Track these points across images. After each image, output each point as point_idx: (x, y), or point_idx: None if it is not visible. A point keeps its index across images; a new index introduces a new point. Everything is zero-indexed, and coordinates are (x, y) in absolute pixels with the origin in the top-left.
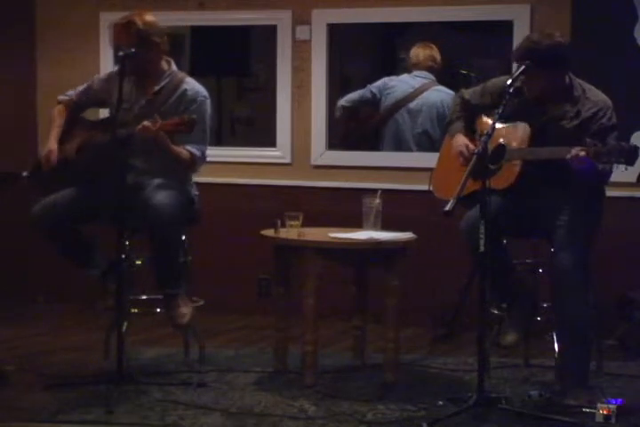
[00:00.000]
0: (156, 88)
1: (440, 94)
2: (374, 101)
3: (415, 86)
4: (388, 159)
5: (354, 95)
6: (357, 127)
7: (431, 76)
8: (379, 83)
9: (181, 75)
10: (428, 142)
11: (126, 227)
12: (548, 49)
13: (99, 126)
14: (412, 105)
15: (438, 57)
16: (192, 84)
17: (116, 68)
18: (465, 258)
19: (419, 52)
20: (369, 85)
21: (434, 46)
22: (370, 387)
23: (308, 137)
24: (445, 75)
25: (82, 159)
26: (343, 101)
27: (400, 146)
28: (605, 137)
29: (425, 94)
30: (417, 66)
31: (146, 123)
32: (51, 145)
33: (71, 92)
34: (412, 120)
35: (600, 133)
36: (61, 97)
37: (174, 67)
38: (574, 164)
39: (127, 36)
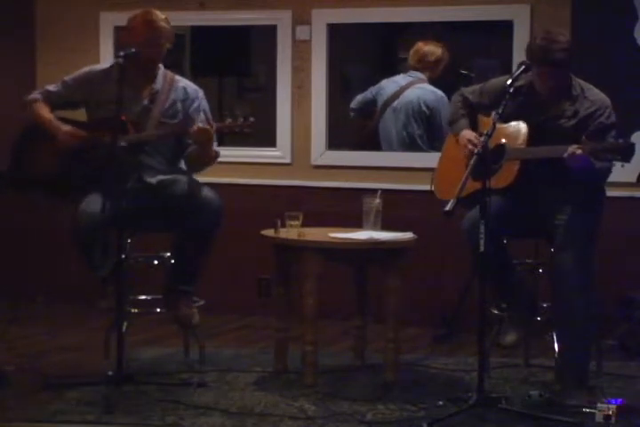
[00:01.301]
0: (155, 88)
1: (418, 91)
2: (374, 102)
3: (401, 85)
4: (388, 159)
5: (359, 97)
6: (364, 128)
7: (420, 75)
8: (377, 84)
9: (170, 73)
10: (408, 139)
11: (149, 228)
12: (567, 48)
13: (97, 127)
14: (395, 104)
15: (432, 56)
16: (186, 82)
17: (99, 67)
18: (465, 258)
19: (411, 52)
20: (371, 87)
21: (432, 44)
22: (370, 387)
23: (308, 137)
24: (445, 75)
25: (90, 161)
26: (352, 103)
27: (389, 145)
28: (604, 136)
29: (405, 92)
30: (409, 65)
31: (201, 125)
32: (64, 127)
33: (40, 91)
34: (394, 119)
35: (599, 132)
36: (33, 96)
37: (161, 66)
38: (570, 162)
39: (150, 33)
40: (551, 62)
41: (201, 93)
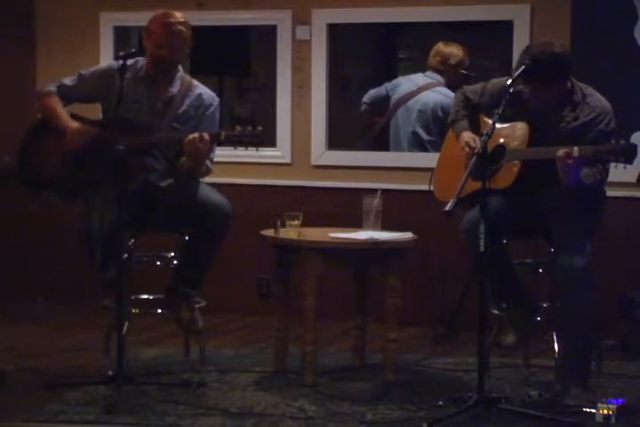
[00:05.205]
0: (173, 91)
1: (435, 96)
2: (387, 98)
3: (419, 85)
4: (389, 159)
5: (372, 92)
6: (373, 124)
7: (439, 78)
8: (393, 81)
9: (188, 77)
10: (417, 142)
11: (156, 229)
12: (552, 63)
13: (105, 126)
14: (409, 103)
15: (454, 59)
16: (204, 88)
17: (114, 64)
18: (465, 258)
19: (432, 53)
20: (386, 83)
21: (453, 46)
22: (370, 387)
23: (308, 137)
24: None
25: (96, 160)
26: (364, 97)
27: (397, 143)
28: (604, 142)
29: (422, 94)
30: (429, 66)
31: (193, 136)
32: (73, 125)
33: (56, 84)
34: (406, 118)
35: (599, 139)
36: (47, 89)
37: (181, 69)
38: (559, 162)
39: (166, 36)
40: (534, 81)
41: (216, 102)
